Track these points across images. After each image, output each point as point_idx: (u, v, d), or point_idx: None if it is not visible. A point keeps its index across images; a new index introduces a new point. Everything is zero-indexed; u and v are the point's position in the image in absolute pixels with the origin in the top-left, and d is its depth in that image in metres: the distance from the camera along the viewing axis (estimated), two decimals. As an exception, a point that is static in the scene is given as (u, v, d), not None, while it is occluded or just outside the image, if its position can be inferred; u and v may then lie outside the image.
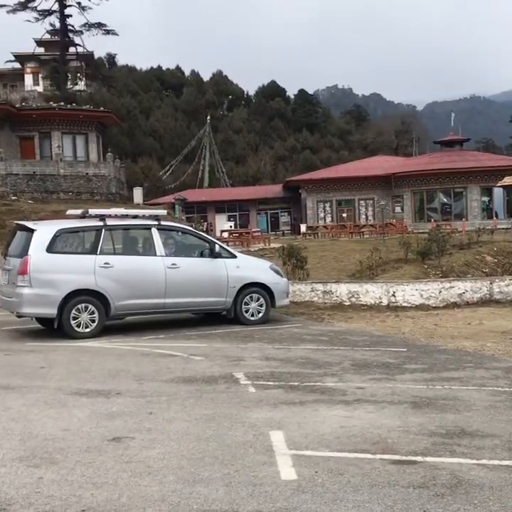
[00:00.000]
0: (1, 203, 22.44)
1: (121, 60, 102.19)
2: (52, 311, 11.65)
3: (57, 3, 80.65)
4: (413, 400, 7.31)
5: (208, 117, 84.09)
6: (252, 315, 13.22)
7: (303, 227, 54.17)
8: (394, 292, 15.69)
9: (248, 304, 13.17)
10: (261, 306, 13.28)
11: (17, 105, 54.34)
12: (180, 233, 13.48)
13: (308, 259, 18.85)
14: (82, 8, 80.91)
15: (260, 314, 13.28)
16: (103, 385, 8.15)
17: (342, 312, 14.92)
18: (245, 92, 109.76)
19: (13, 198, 39.49)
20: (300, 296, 16.24)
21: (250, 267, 13.50)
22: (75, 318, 11.77)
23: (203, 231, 38.83)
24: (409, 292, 15.67)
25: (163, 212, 14.26)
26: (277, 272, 13.84)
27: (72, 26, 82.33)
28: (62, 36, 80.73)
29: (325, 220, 60.47)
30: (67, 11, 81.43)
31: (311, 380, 8.37)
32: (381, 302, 15.67)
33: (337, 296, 16.08)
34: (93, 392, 7.78)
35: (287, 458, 5.46)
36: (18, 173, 46.65)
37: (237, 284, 12.97)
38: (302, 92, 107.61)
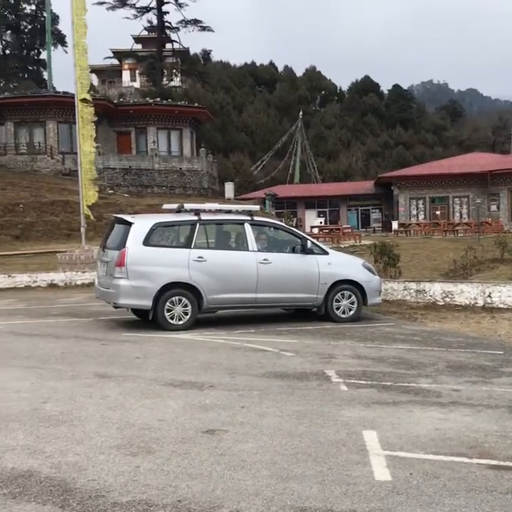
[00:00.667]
0: (98, 196, 22.90)
1: (215, 56, 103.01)
2: (147, 303, 11.86)
3: (155, 1, 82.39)
4: (511, 405, 7.11)
5: (301, 113, 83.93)
6: (343, 312, 13.13)
7: (394, 225, 53.44)
8: (490, 293, 15.28)
9: (339, 301, 13.09)
10: (352, 303, 13.16)
11: (115, 101, 55.84)
12: (272, 229, 13.52)
13: (400, 257, 18.59)
14: (179, 5, 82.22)
15: (351, 312, 13.17)
16: (196, 377, 8.26)
17: (435, 312, 14.63)
18: (338, 88, 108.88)
19: (109, 191, 40.62)
20: (392, 294, 16.03)
21: (342, 263, 13.40)
22: (168, 311, 11.96)
23: (293, 226, 38.85)
24: (506, 293, 15.21)
25: (256, 207, 14.37)
26: (370, 270, 13.69)
27: (169, 23, 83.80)
28: (159, 33, 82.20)
29: (417, 217, 59.49)
30: (164, 8, 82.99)
31: (405, 380, 8.25)
32: (476, 303, 15.29)
33: (430, 296, 15.79)
34: (187, 383, 7.90)
35: (381, 458, 5.40)
36: (114, 167, 47.98)
37: (329, 281, 12.90)
38: (396, 87, 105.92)
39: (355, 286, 13.14)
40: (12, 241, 33.30)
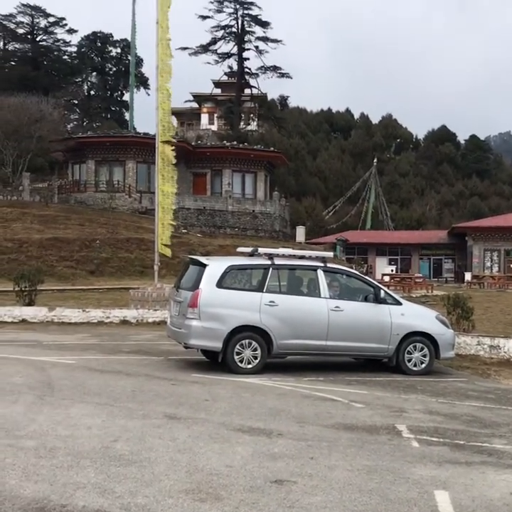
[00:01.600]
0: (172, 235, 23.30)
1: (292, 102, 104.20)
2: (217, 345, 11.90)
3: (236, 47, 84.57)
4: None
5: (375, 160, 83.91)
6: (415, 365, 12.87)
7: (467, 276, 52.51)
8: None
9: (411, 354, 12.84)
10: (425, 356, 12.89)
11: (193, 143, 57.05)
12: (345, 276, 13.45)
13: (474, 310, 18.16)
14: (260, 52, 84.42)
15: (423, 365, 12.90)
16: (264, 423, 8.19)
17: (510, 369, 14.21)
18: (414, 136, 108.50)
19: (183, 230, 41.24)
20: (465, 348, 15.63)
21: (415, 315, 13.19)
22: (238, 354, 11.95)
23: (363, 273, 38.65)
24: None
25: (329, 254, 14.31)
26: (443, 322, 13.43)
27: (249, 69, 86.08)
28: (238, 78, 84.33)
29: (491, 269, 58.27)
30: (245, 55, 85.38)
31: (478, 440, 8.00)
32: (553, 362, 14.77)
33: (505, 352, 15.34)
34: (255, 430, 7.84)
35: (454, 522, 5.23)
36: (189, 207, 48.89)
37: (401, 332, 12.70)
38: (473, 138, 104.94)
39: (428, 339, 12.88)
40: (87, 276, 34.09)
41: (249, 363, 11.99)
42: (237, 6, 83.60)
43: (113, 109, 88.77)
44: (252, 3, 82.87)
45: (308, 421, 8.48)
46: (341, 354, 12.99)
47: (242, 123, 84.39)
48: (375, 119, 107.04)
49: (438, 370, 13.46)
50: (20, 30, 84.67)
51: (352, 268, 21.28)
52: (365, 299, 12.80)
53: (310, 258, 13.32)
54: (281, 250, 14.03)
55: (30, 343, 15.20)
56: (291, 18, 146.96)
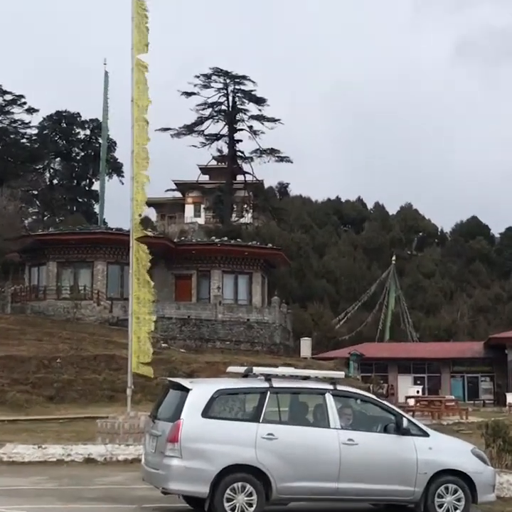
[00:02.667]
0: (152, 350, 23.11)
1: (294, 190, 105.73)
2: (203, 490, 11.56)
3: (226, 127, 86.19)
4: None
5: (393, 257, 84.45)
6: (447, 511, 12.57)
7: (509, 397, 52.02)
8: None
9: (442, 497, 12.52)
10: (459, 500, 12.57)
11: (175, 239, 57.70)
12: (359, 401, 13.32)
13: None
14: (254, 133, 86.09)
15: (458, 511, 12.60)
16: None
17: None
18: (439, 229, 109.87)
19: (163, 345, 41.12)
20: (508, 489, 15.31)
21: (446, 449, 12.96)
22: (229, 500, 11.59)
23: (382, 395, 38.22)
24: None
25: (341, 374, 14.24)
26: (481, 458, 13.17)
27: (242, 152, 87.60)
28: (230, 163, 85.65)
29: (538, 389, 57.81)
30: (237, 136, 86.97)
31: None
32: None
33: (558, 493, 15.00)
34: None
35: None
36: (171, 316, 48.91)
37: (430, 471, 12.45)
38: (510, 231, 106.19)
39: (462, 479, 12.61)
40: (45, 403, 33.67)
41: (242, 512, 11.69)
42: (228, 81, 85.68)
43: (80, 200, 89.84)
44: (244, 77, 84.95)
45: None
46: (357, 499, 12.68)
47: (234, 215, 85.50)
48: (392, 210, 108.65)
49: (476, 517, 13.16)
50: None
51: (369, 390, 21.13)
52: (385, 430, 12.61)
53: (317, 379, 13.24)
54: (281, 369, 14.07)
55: (-28, 489, 14.84)
56: (290, 94, 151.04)
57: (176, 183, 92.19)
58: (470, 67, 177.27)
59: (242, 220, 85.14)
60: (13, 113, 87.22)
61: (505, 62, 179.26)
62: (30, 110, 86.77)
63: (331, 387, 12.78)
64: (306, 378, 13.28)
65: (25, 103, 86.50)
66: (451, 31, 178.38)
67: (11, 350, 38.34)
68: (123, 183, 79.05)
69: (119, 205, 66.08)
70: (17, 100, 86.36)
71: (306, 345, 55.75)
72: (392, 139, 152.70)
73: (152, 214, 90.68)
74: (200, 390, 12.23)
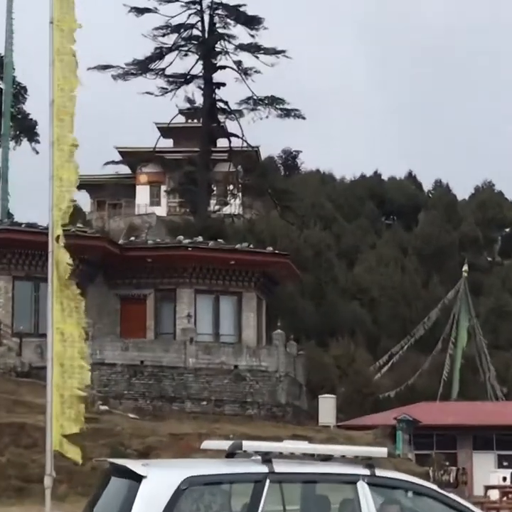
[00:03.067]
0: (85, 416, 17.92)
1: (308, 163, 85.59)
2: None
3: (201, 64, 65.13)
4: None
5: (465, 267, 64.80)
6: None
7: None
8: None
9: None
10: None
11: (120, 241, 47.75)
12: (412, 494, 10.36)
13: None
14: (244, 73, 63.13)
15: None
16: None
17: None
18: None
19: (101, 407, 34.52)
20: None
21: None
22: None
23: (450, 484, 32.09)
24: None
25: (383, 451, 10.45)
26: None
27: (226, 103, 64.62)
28: (206, 120, 65.48)
29: None
30: (217, 77, 65.45)
31: None
32: None
33: None
34: None
35: None
36: (114, 361, 39.49)
37: None
38: None
39: None
40: None
41: None
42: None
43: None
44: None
45: None
46: None
47: (213, 202, 69.48)
48: (462, 194, 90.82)
49: None
50: None
51: (428, 476, 15.95)
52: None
53: (344, 460, 10.38)
54: (288, 444, 10.55)
55: None
56: (301, 14, 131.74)
57: (121, 153, 71.99)
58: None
59: (227, 210, 66.83)
60: None
61: None
62: None
63: (367, 472, 9.90)
64: (327, 459, 10.33)
65: None
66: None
67: None
68: (38, 152, 60.71)
69: (32, 187, 52.69)
70: None
71: (327, 407, 44.69)
72: (461, 91, 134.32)
73: (85, 200, 72.61)
74: (160, 479, 9.28)
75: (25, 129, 61.40)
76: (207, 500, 9.47)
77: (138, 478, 8.91)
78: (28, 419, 30.13)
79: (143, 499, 8.88)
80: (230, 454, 9.81)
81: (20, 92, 59.22)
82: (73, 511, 17.44)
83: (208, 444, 10.60)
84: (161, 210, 69.98)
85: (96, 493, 10.05)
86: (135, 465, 9.26)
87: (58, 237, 15.27)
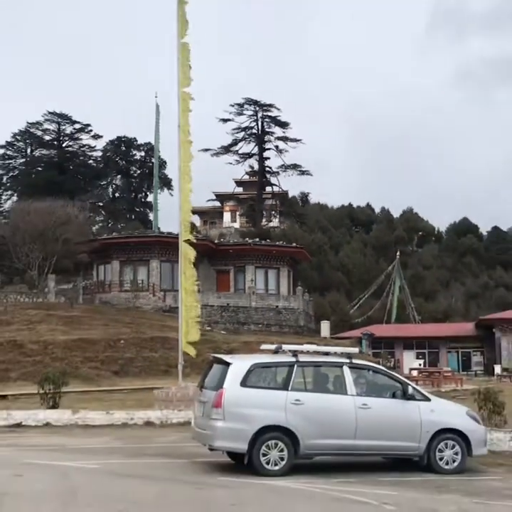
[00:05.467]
0: (198, 332, 23.12)
1: (313, 198, 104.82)
2: (243, 446, 11.65)
3: (257, 147, 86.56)
4: None
5: (398, 253, 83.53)
6: (447, 463, 12.46)
7: (497, 368, 51.50)
8: None
9: (442, 451, 12.45)
10: (456, 454, 12.50)
11: (215, 241, 57.78)
12: (371, 372, 13.22)
13: (506, 405, 17.66)
14: (280, 151, 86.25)
15: (455, 463, 12.50)
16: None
17: (546, 466, 13.65)
18: (436, 229, 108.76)
19: (207, 328, 41.07)
20: (497, 445, 15.11)
21: (445, 411, 12.89)
22: (264, 455, 11.66)
23: (390, 368, 38.06)
24: None
25: (355, 350, 14.16)
26: (474, 419, 13.08)
27: (270, 168, 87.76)
28: (260, 177, 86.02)
29: (521, 361, 57.11)
30: (265, 154, 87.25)
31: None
32: None
33: (540, 448, 14.78)
34: (283, 536, 7.57)
35: None
36: (213, 304, 48.89)
37: (431, 429, 12.37)
38: (496, 229, 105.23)
39: (459, 436, 12.53)
40: (112, 376, 33.83)
41: (276, 465, 11.69)
42: (257, 109, 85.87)
43: (137, 210, 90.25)
44: (271, 105, 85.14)
45: (338, 526, 8.16)
46: (371, 454, 12.66)
47: (264, 220, 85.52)
48: (396, 213, 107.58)
49: (471, 468, 13.03)
50: (47, 137, 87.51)
51: (379, 363, 21.05)
52: (393, 396, 12.57)
53: (335, 354, 13.19)
54: (305, 347, 13.92)
55: (54, 448, 15.01)
56: (310, 116, 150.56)
57: (215, 194, 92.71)
58: (467, 92, 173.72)
59: (271, 224, 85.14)
60: (81, 139, 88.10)
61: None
62: (96, 136, 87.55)
63: (347, 360, 12.75)
64: (326, 354, 13.30)
65: (91, 130, 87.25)
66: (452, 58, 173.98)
67: (83, 333, 38.57)
68: (172, 195, 79.25)
69: (170, 213, 66.24)
70: (84, 128, 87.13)
71: (325, 327, 55.43)
72: (397, 150, 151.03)
73: (196, 220, 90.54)
74: (239, 364, 12.30)
75: (166, 183, 79.48)
76: (263, 375, 12.40)
77: (228, 364, 12.21)
78: (169, 334, 35.78)
79: (231, 374, 11.95)
80: (275, 352, 12.90)
81: (162, 164, 74.70)
82: (193, 382, 20.38)
83: (263, 347, 13.95)
84: (236, 225, 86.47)
85: (205, 372, 13.18)
86: (226, 357, 12.90)
87: (186, 240, 22.61)
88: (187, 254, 22.01)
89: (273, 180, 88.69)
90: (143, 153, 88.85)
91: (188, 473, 11.82)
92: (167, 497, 9.65)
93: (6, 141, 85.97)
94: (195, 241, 23.25)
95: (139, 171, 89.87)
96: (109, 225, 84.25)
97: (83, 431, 18.52)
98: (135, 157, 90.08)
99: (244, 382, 11.94)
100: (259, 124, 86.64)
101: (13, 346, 35.90)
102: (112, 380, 33.07)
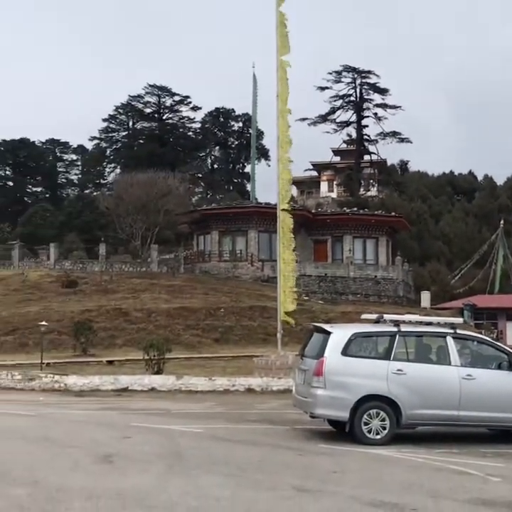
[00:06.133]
0: (295, 302, 23.19)
1: (413, 166, 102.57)
2: (344, 415, 11.65)
3: (355, 115, 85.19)
4: None
5: (501, 222, 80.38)
6: (554, 435, 12.10)
7: None
8: None
9: (548, 424, 12.08)
10: (563, 426, 12.09)
11: (313, 211, 57.49)
12: (476, 343, 12.94)
13: None
14: (378, 119, 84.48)
15: (562, 436, 12.10)
16: (397, 497, 7.87)
17: None
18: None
19: (304, 298, 41.11)
20: None
21: (552, 382, 12.44)
22: (366, 424, 11.62)
23: (493, 339, 37.08)
24: None
25: (460, 320, 13.91)
26: None
27: (368, 136, 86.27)
28: (357, 145, 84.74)
29: None
30: (364, 122, 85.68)
31: None
32: None
33: None
34: (387, 504, 7.54)
35: None
36: (310, 274, 48.84)
37: (538, 401, 11.99)
38: None
39: None
40: (212, 344, 34.54)
41: (377, 434, 11.63)
42: (355, 76, 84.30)
43: (235, 181, 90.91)
44: (369, 72, 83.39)
45: (442, 495, 8.09)
46: (475, 425, 12.39)
47: (361, 189, 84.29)
48: (499, 181, 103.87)
49: None
50: (148, 110, 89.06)
51: (482, 334, 20.61)
52: (499, 367, 12.23)
53: (438, 324, 12.92)
54: (407, 317, 13.69)
55: (159, 412, 15.48)
56: (409, 81, 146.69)
57: (312, 164, 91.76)
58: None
59: (369, 194, 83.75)
60: (181, 111, 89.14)
61: None
62: (195, 108, 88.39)
63: (451, 331, 12.44)
64: (429, 324, 13.02)
65: (190, 102, 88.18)
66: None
67: (185, 302, 39.46)
68: (269, 166, 79.31)
69: (267, 184, 66.19)
70: (184, 100, 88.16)
71: (425, 298, 54.37)
72: (501, 116, 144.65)
73: (293, 190, 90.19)
74: (340, 333, 12.26)
75: (263, 154, 79.81)
76: (364, 345, 12.37)
77: (328, 333, 12.19)
78: (267, 303, 36.15)
79: (332, 343, 11.95)
80: (376, 322, 12.73)
81: (260, 134, 74.78)
82: (292, 351, 21.21)
83: (364, 316, 13.85)
84: (334, 195, 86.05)
85: (306, 341, 13.50)
86: (327, 326, 12.94)
87: (283, 209, 22.65)
88: (285, 224, 22.05)
89: (371, 148, 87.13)
90: (240, 124, 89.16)
91: (289, 440, 11.94)
92: (269, 462, 9.78)
93: (109, 115, 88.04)
94: (292, 211, 23.20)
95: (236, 142, 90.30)
96: (208, 196, 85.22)
97: (186, 396, 19.00)
98: (233, 128, 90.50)
99: (345, 351, 11.90)
100: (358, 91, 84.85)
101: (119, 314, 37.14)
102: (213, 348, 33.73)
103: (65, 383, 20.70)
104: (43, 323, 28.19)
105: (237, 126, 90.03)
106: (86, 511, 6.76)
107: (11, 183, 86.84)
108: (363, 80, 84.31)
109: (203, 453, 10.35)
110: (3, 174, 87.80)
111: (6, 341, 34.23)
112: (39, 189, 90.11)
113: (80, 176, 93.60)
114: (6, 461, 9.17)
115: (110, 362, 28.44)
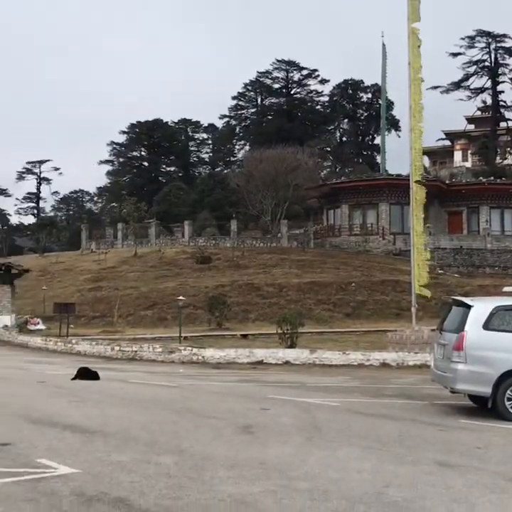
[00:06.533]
0: (430, 276, 22.78)
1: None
2: (486, 390, 11.32)
3: (489, 81, 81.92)
4: None
5: None
6: None
7: None
8: None
9: None
10: None
11: (446, 181, 55.96)
12: None
13: None
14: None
15: None
16: (546, 476, 7.57)
17: None
18: None
19: (439, 271, 40.33)
20: None
21: None
22: (509, 400, 11.26)
23: None
24: None
25: None
26: None
27: (504, 102, 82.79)
28: (493, 112, 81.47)
29: None
30: (499, 88, 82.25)
31: None
32: None
33: None
34: (536, 483, 7.27)
35: None
36: (445, 247, 47.77)
37: None
38: None
39: None
40: (344, 318, 34.55)
41: (521, 410, 11.26)
42: (490, 40, 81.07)
43: (364, 153, 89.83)
44: (505, 36, 79.98)
45: None
46: None
47: (498, 158, 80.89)
48: None
49: None
50: (276, 85, 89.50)
51: None
52: None
53: None
54: None
55: (294, 385, 15.65)
56: None
57: (445, 133, 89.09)
58: None
59: (506, 162, 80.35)
60: (309, 85, 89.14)
61: None
62: (322, 81, 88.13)
63: None
64: None
65: (318, 76, 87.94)
66: None
67: (315, 276, 39.63)
68: (399, 137, 77.99)
69: (397, 155, 64.72)
70: (312, 74, 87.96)
71: None
72: None
73: (425, 161, 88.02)
74: (481, 307, 11.87)
75: (393, 124, 78.51)
76: (507, 319, 11.71)
77: (469, 307, 11.83)
78: (400, 277, 36.22)
79: (472, 317, 11.58)
80: None
81: (390, 105, 73.45)
82: (427, 325, 21.44)
83: (507, 289, 14.67)
84: (468, 164, 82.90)
85: (444, 315, 13.11)
86: (467, 300, 12.37)
87: (417, 181, 22.20)
88: (417, 195, 21.59)
89: (508, 114, 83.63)
90: (370, 96, 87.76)
91: (428, 415, 11.75)
92: (409, 437, 9.66)
93: (238, 92, 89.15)
94: (425, 182, 22.69)
95: (365, 114, 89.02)
96: (337, 169, 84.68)
97: (320, 370, 19.11)
98: (362, 100, 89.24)
99: (486, 325, 11.53)
100: (492, 56, 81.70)
101: (251, 289, 37.79)
102: (344, 322, 33.73)
103: (203, 356, 21.36)
104: (181, 297, 29.11)
105: (365, 97, 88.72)
106: (231, 480, 6.91)
107: (146, 164, 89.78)
108: (498, 45, 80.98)
109: (341, 426, 10.36)
110: (139, 155, 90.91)
111: (146, 316, 35.67)
112: (172, 168, 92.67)
113: (210, 154, 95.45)
114: (154, 431, 9.54)
115: (244, 336, 29.02)
